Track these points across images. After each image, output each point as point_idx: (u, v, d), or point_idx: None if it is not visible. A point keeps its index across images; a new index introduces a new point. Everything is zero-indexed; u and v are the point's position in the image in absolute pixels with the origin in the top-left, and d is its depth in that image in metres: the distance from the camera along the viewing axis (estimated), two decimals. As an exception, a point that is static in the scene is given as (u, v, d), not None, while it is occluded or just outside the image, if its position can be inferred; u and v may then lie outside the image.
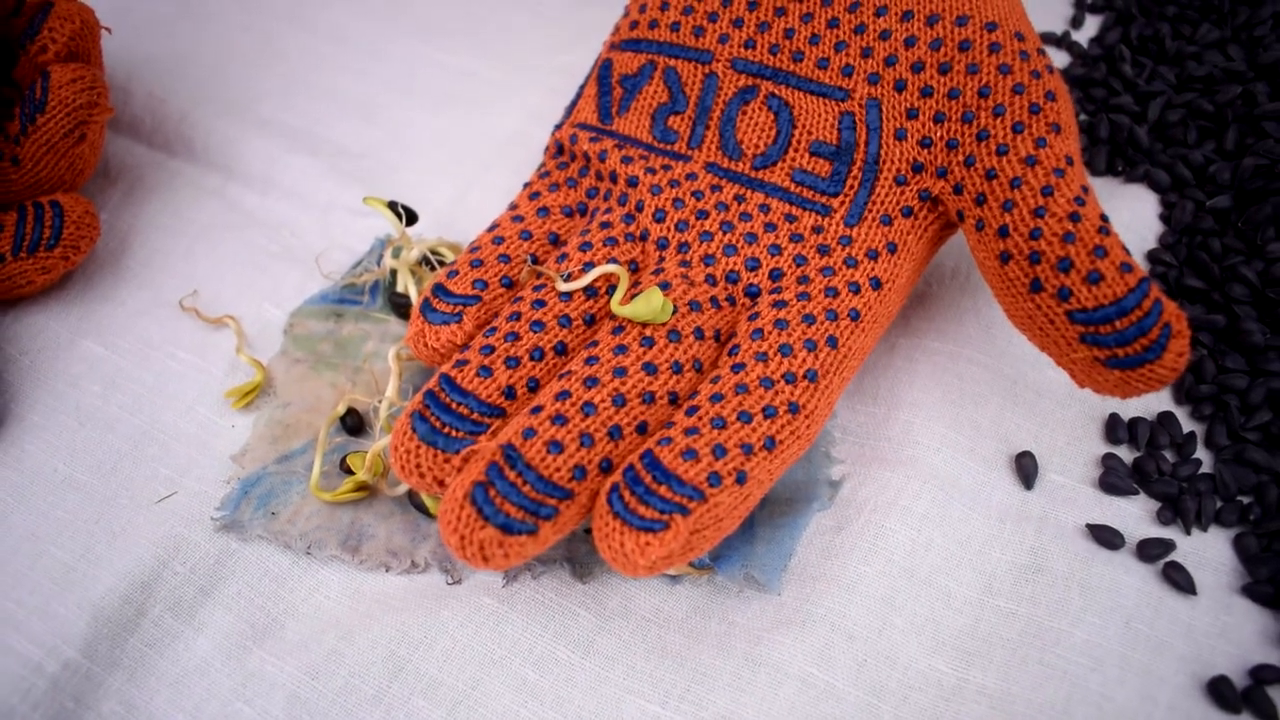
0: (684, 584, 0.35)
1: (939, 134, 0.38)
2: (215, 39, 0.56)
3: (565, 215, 0.40)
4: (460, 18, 0.58)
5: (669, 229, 0.38)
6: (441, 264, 0.43)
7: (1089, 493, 0.37)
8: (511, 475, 0.30)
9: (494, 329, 0.35)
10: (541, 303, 0.36)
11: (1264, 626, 0.34)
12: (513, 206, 0.41)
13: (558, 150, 0.43)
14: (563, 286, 0.36)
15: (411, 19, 0.58)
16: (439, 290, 0.37)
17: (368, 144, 0.51)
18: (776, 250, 0.37)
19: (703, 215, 0.38)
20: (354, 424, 0.39)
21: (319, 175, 0.48)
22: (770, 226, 0.38)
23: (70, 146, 0.42)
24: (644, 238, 0.39)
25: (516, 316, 0.35)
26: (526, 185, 0.42)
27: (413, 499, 0.37)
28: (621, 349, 0.34)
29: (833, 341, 0.35)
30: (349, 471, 0.37)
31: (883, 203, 0.38)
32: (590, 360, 0.34)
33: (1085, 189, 0.35)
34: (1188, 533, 0.36)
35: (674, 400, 0.34)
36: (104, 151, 0.47)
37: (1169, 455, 0.38)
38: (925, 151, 0.38)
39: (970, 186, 0.37)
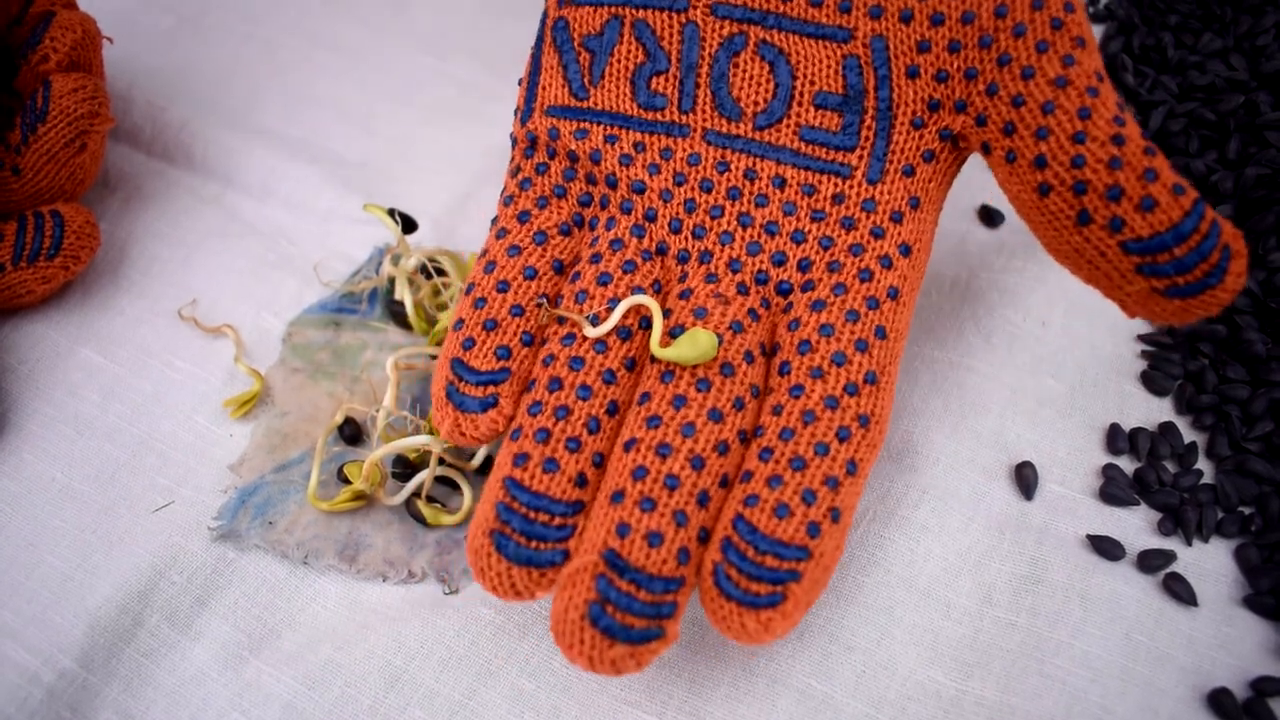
0: (682, 594, 0.35)
1: (955, 65, 0.35)
2: (216, 49, 0.56)
3: (563, 235, 0.36)
4: (461, 28, 0.58)
5: (687, 239, 0.36)
6: (440, 272, 0.43)
7: (1089, 503, 0.37)
8: (623, 585, 0.29)
9: (538, 404, 0.32)
10: (579, 361, 0.33)
11: (1265, 638, 0.34)
12: (502, 233, 0.36)
13: (530, 146, 0.38)
14: (592, 333, 0.33)
15: (412, 29, 0.58)
16: (460, 369, 0.34)
17: (367, 153, 0.51)
18: (800, 237, 0.35)
19: (717, 213, 0.36)
20: (352, 433, 0.39)
21: (318, 184, 0.48)
22: (789, 207, 0.35)
23: (71, 156, 0.42)
24: (662, 251, 0.36)
25: (558, 384, 0.33)
26: (508, 200, 0.37)
27: (410, 508, 0.37)
28: (681, 400, 0.32)
29: (881, 332, 0.33)
30: (346, 481, 0.37)
31: (903, 151, 0.35)
32: (652, 422, 0.32)
33: (1121, 105, 0.33)
34: (1189, 544, 0.36)
35: (743, 438, 0.32)
36: (103, 160, 0.47)
37: (1170, 466, 0.38)
38: (942, 86, 0.35)
39: (996, 116, 0.34)
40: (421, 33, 0.57)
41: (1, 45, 0.44)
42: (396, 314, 0.42)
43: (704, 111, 0.37)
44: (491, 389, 0.33)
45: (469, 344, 0.34)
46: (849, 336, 0.33)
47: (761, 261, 0.35)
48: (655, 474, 0.31)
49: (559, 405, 0.32)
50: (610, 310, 0.34)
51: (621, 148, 0.37)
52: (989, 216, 0.47)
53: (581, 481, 0.31)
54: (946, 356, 0.41)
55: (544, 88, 0.39)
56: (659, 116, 0.37)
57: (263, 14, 0.58)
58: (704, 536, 0.30)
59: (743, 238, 0.35)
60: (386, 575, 0.36)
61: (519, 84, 0.40)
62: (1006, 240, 0.46)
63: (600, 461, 0.32)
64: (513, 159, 0.39)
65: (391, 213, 0.42)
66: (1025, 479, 0.37)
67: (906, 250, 0.35)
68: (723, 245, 0.35)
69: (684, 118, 0.37)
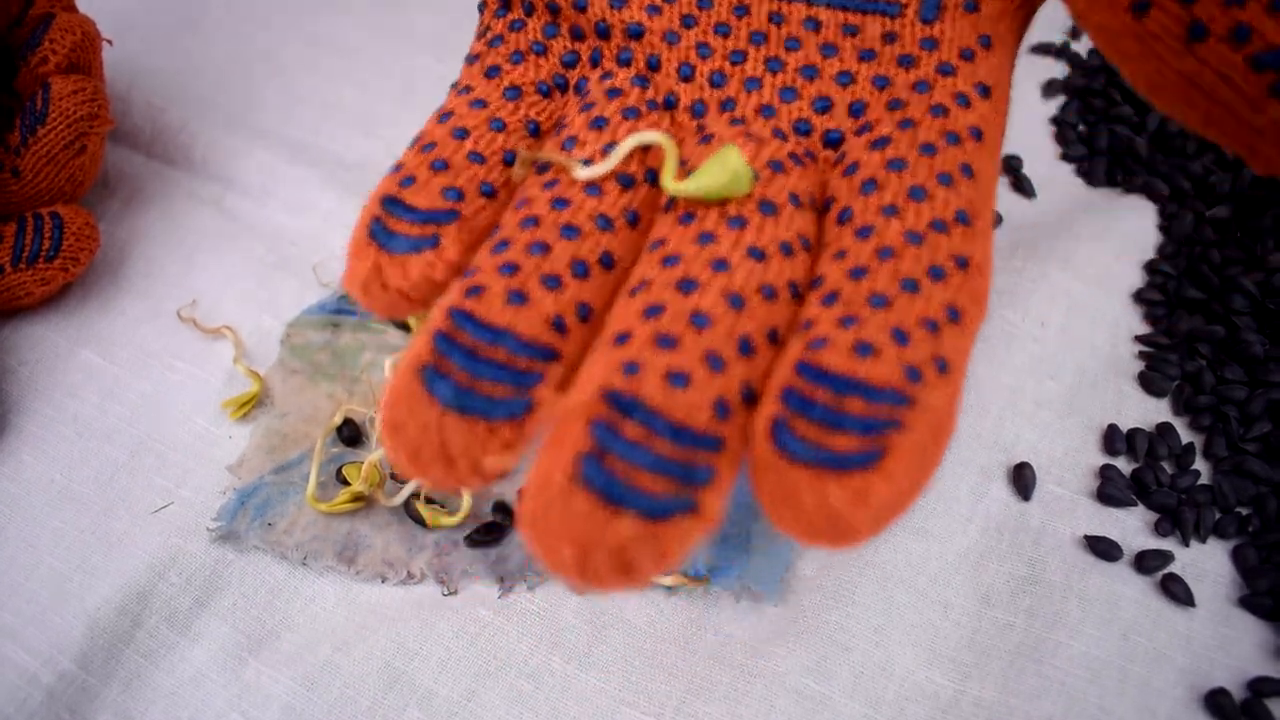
0: (679, 595, 0.35)
1: None
2: (216, 50, 0.56)
3: (542, 95, 0.30)
4: (461, 30, 0.58)
5: (702, 87, 0.29)
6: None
7: (1087, 504, 0.37)
8: (633, 430, 0.21)
9: (505, 242, 0.25)
10: (564, 201, 0.26)
11: (1263, 639, 0.34)
12: (465, 89, 0.29)
13: (502, 5, 0.31)
14: (583, 174, 0.26)
15: (412, 31, 0.58)
16: (392, 205, 0.26)
17: (366, 155, 0.51)
18: (848, 79, 0.28)
19: (738, 58, 0.29)
20: (351, 434, 0.39)
21: (318, 186, 0.48)
22: (828, 49, 0.28)
23: (71, 158, 0.42)
24: (671, 104, 0.29)
25: (533, 221, 0.25)
26: (473, 59, 0.31)
27: (409, 510, 0.37)
28: (707, 237, 0.24)
29: (967, 170, 0.26)
30: (345, 482, 0.37)
31: None
32: (669, 260, 0.24)
33: None
34: (1186, 544, 0.36)
35: (796, 294, 0.25)
36: (103, 161, 0.47)
37: (1168, 466, 0.38)
38: None
39: None
40: (421, 33, 0.57)
41: (1, 46, 0.44)
42: (395, 315, 0.43)
43: None
44: (432, 228, 0.25)
45: (408, 181, 0.26)
46: (927, 170, 0.26)
47: (800, 108, 0.28)
48: (676, 311, 0.23)
49: (535, 241, 0.24)
50: (609, 155, 0.27)
51: None
52: (987, 217, 0.47)
53: (559, 326, 0.23)
54: (945, 357, 0.41)
55: None
56: None
57: (263, 14, 0.58)
58: (750, 397, 0.22)
59: (773, 84, 0.29)
60: (385, 576, 0.36)
61: None
62: (1006, 240, 0.46)
63: (587, 315, 0.24)
64: (481, 22, 0.32)
65: (390, 214, 0.42)
66: (1023, 479, 0.37)
67: (985, 91, 0.27)
68: (749, 92, 0.29)
69: None
